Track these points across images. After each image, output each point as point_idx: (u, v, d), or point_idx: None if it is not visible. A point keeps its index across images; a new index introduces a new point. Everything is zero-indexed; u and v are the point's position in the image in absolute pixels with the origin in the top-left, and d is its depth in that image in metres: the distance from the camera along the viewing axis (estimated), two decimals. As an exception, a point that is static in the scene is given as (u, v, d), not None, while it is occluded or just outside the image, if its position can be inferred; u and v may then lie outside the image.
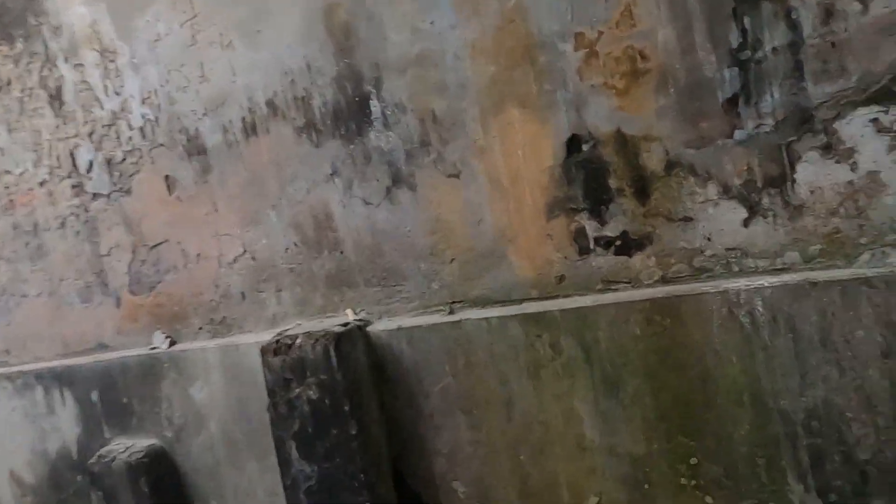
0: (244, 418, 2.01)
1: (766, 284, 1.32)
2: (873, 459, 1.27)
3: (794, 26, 1.25)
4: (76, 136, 2.25)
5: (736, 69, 1.31)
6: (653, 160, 1.41)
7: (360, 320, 1.78)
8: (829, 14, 1.22)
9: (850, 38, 1.21)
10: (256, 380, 1.87)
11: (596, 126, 1.46)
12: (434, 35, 1.60)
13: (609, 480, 1.51)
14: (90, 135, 2.21)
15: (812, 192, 1.29)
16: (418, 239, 1.71)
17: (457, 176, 1.63)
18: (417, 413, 1.71)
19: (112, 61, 2.11)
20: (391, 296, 1.78)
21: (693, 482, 1.43)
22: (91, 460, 2.24)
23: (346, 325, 1.75)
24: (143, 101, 2.08)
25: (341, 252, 1.83)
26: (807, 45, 1.25)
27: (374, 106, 1.70)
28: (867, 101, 1.22)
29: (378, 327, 1.75)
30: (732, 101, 1.32)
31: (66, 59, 2.21)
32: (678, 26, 1.34)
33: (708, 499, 1.43)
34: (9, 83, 2.37)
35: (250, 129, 1.90)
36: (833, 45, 1.22)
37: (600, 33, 1.42)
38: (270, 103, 1.85)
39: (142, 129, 2.10)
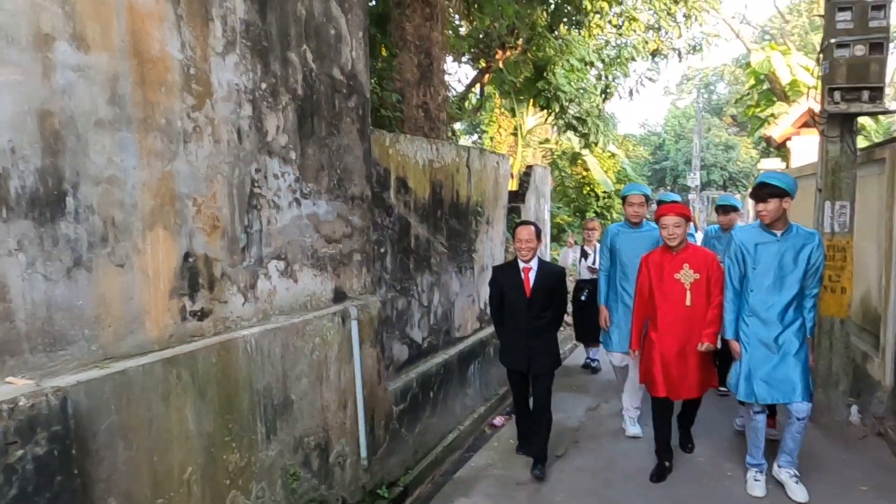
0: None
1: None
2: None
3: None
4: None
5: (246, 235, 3.02)
6: (215, 271, 2.85)
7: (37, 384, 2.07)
8: None
9: None
10: None
11: (198, 249, 2.75)
12: (118, 171, 2.39)
13: (197, 452, 2.68)
14: None
15: (260, 292, 3.13)
16: (88, 311, 2.27)
17: (123, 266, 2.40)
18: (86, 453, 2.20)
19: None
20: (55, 360, 2.17)
21: (230, 438, 2.86)
22: None
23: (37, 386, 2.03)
24: None
25: (12, 322, 2.03)
26: None
27: (71, 201, 2.20)
28: None
29: (58, 383, 2.11)
30: (243, 249, 3.00)
31: None
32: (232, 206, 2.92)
33: (234, 445, 2.88)
34: None
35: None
36: None
37: (204, 201, 2.77)
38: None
39: None
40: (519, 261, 4.42)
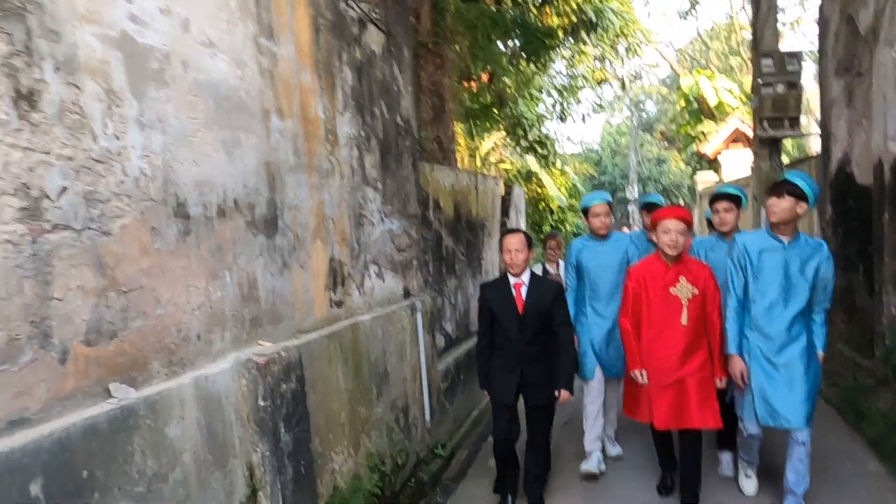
0: (211, 437, 2.59)
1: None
2: (381, 372, 4.21)
3: (365, 236, 4.16)
4: (48, 153, 2.00)
5: (358, 245, 4.05)
6: (344, 271, 3.87)
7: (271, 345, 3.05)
8: None
9: None
10: (222, 401, 2.70)
11: (336, 255, 3.76)
12: (299, 200, 3.41)
13: (345, 403, 3.69)
14: (70, 159, 2.08)
15: (366, 288, 4.17)
16: (289, 298, 3.27)
17: (303, 267, 3.41)
18: (305, 393, 3.19)
19: (118, 106, 2.26)
20: (277, 331, 3.16)
21: (360, 395, 3.87)
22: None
23: (274, 351, 3.02)
24: (142, 157, 2.36)
25: (258, 303, 3.02)
26: (366, 243, 4.18)
27: (280, 222, 3.21)
28: None
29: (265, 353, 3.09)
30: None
31: (57, 69, 2.04)
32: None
33: (362, 400, 3.88)
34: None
35: (221, 213, 2.78)
36: None
37: (337, 220, 3.80)
38: (235, 201, 2.87)
39: (137, 180, 2.33)
40: (509, 275, 3.95)
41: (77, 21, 2.09)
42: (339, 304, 3.79)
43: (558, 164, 13.92)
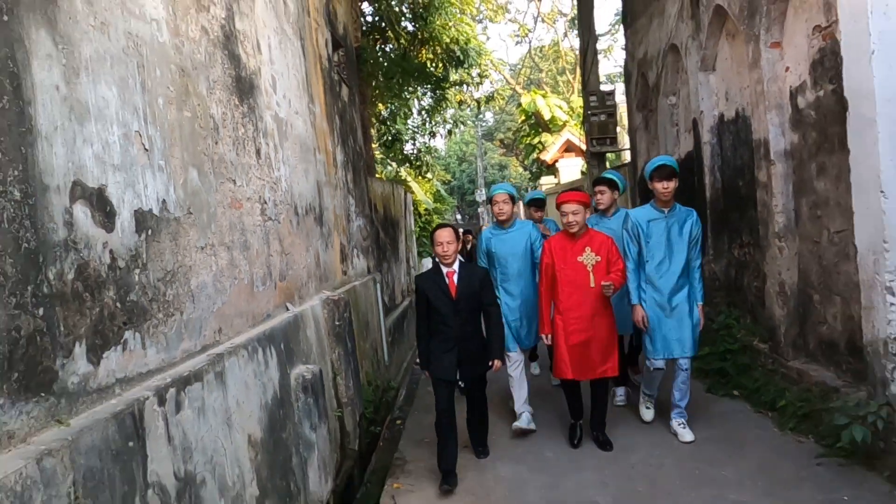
0: (318, 341, 4.49)
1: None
2: (366, 321, 6.19)
3: (351, 229, 6.12)
4: (264, 179, 3.86)
5: (349, 234, 6.01)
6: (346, 252, 5.81)
7: (332, 294, 4.96)
8: None
9: None
10: (318, 320, 4.62)
11: (342, 241, 5.70)
12: (328, 204, 5.33)
13: (358, 339, 5.64)
14: (267, 182, 3.94)
15: None
16: (330, 266, 5.18)
17: (332, 247, 5.33)
18: (350, 326, 5.11)
19: (277, 153, 4.13)
20: (327, 286, 5.06)
21: (360, 335, 5.83)
22: (294, 385, 3.76)
23: (338, 294, 4.93)
24: (285, 181, 4.24)
25: (321, 268, 4.92)
26: None
27: (324, 218, 5.12)
28: None
29: (334, 295, 5.01)
30: (349, 241, 5.99)
31: (263, 136, 3.90)
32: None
33: (360, 339, 5.84)
34: (237, 127, 3.54)
35: (304, 212, 4.67)
36: None
37: (341, 217, 5.73)
38: (309, 205, 4.76)
39: (284, 193, 4.20)
40: (441, 265, 4.25)
41: (267, 108, 3.96)
42: (345, 273, 5.73)
43: (429, 174, 16.25)
